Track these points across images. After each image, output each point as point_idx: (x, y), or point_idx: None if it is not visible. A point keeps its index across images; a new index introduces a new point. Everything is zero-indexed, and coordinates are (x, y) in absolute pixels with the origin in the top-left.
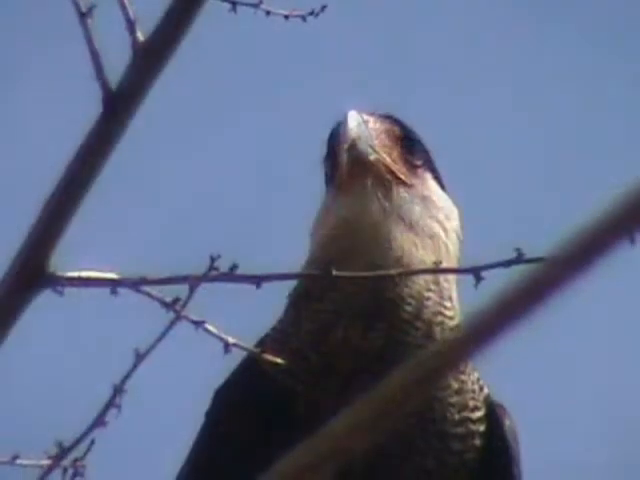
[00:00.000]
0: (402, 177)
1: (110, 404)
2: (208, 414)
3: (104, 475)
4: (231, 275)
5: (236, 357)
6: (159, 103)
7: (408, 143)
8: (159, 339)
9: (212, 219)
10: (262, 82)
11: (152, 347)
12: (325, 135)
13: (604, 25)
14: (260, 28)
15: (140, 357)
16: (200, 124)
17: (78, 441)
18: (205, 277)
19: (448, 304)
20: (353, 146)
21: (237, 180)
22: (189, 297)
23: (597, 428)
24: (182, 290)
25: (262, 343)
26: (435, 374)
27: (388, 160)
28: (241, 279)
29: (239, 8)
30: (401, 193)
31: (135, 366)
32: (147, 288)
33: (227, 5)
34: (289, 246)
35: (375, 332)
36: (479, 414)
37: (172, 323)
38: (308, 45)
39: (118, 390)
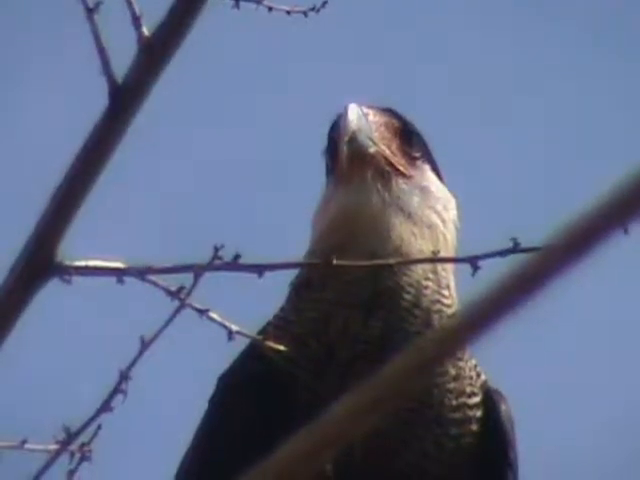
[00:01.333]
0: (401, 169)
1: (116, 390)
2: (212, 400)
3: (110, 459)
4: (234, 264)
5: (239, 344)
6: (164, 96)
7: (407, 135)
8: (164, 327)
9: (215, 209)
10: (264, 75)
11: (157, 334)
12: (326, 128)
13: (604, 24)
14: (262, 23)
15: (145, 344)
16: (203, 116)
17: (85, 426)
18: (209, 266)
19: (446, 292)
20: (353, 138)
21: (240, 170)
22: (193, 286)
23: (596, 413)
24: (187, 279)
25: (265, 331)
26: (433, 361)
27: (387, 152)
28: (244, 268)
29: (242, 4)
30: (400, 184)
31: (141, 353)
32: (152, 277)
33: (230, 2)
34: (291, 236)
35: (374, 320)
36: (476, 400)
37: (177, 311)
38: (310, 40)
39: (124, 376)
